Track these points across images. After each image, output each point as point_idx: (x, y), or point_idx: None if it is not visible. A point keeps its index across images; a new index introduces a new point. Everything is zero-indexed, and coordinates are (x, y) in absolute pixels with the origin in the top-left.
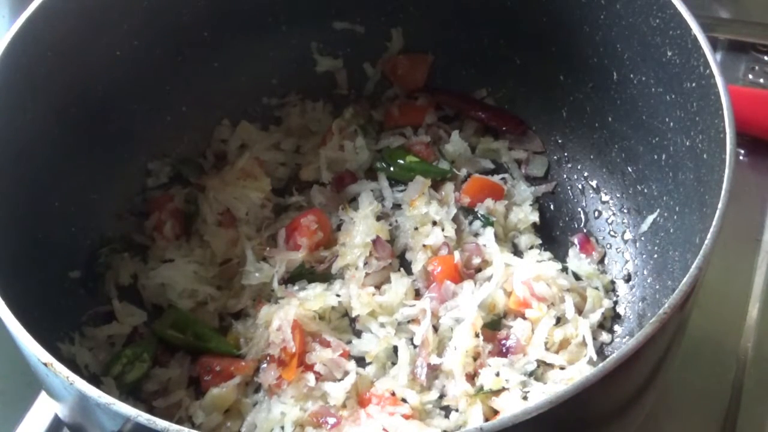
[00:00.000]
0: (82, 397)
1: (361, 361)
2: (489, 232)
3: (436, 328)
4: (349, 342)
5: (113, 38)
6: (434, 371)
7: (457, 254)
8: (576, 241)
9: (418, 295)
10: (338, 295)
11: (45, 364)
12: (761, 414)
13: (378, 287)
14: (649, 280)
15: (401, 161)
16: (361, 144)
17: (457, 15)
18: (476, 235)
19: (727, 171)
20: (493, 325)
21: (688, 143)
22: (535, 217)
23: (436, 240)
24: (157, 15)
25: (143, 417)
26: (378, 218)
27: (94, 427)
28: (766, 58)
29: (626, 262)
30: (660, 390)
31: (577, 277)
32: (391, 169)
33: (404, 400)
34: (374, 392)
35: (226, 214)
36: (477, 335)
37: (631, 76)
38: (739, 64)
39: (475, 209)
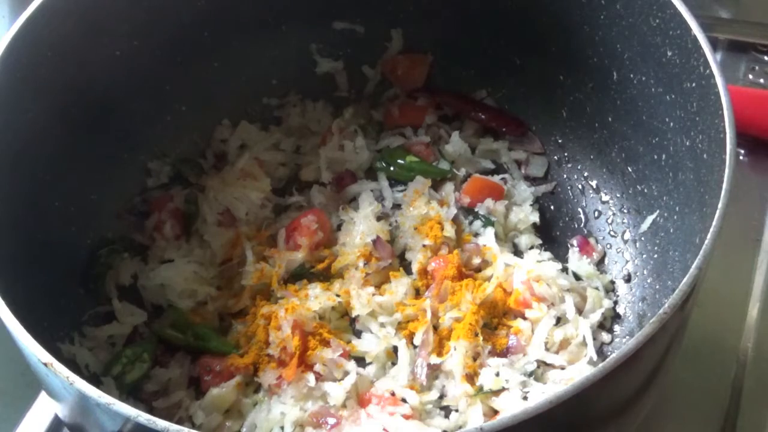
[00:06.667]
0: (82, 397)
1: (361, 361)
2: (489, 232)
3: (436, 328)
4: (348, 342)
5: (113, 38)
6: (434, 371)
7: (457, 254)
8: (575, 243)
9: (418, 295)
10: (338, 295)
11: (45, 364)
12: (761, 414)
13: (378, 287)
14: (649, 280)
15: (401, 161)
16: (361, 144)
17: (457, 15)
18: (476, 235)
19: (727, 171)
20: (493, 325)
21: (688, 143)
22: (535, 217)
23: (436, 240)
24: (156, 15)
25: (143, 417)
26: (378, 218)
27: (94, 427)
28: (766, 58)
29: (626, 262)
30: (660, 390)
31: (577, 277)
32: (391, 169)
33: (404, 400)
34: (374, 392)
35: (226, 214)
36: (477, 335)
37: (631, 76)
38: (739, 64)
39: (475, 209)
